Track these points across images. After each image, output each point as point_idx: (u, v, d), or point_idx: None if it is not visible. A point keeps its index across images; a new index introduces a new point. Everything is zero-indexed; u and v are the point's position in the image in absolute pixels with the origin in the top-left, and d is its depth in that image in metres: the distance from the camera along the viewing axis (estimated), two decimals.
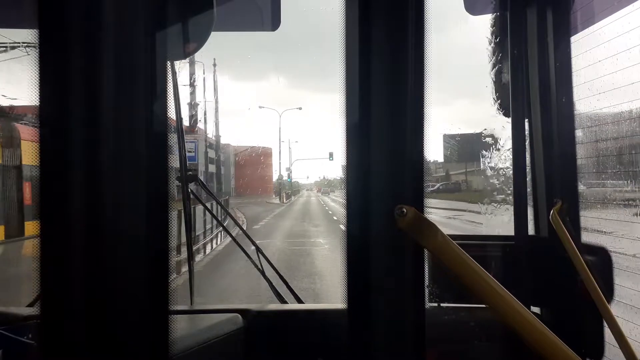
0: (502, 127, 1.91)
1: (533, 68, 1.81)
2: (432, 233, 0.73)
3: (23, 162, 11.44)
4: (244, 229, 2.64)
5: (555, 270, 1.71)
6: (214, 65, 28.26)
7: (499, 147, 2.08)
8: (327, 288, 8.55)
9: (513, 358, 1.27)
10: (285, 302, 2.26)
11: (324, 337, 1.43)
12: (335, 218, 23.35)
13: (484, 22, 1.92)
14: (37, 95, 0.61)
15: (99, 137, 0.61)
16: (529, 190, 1.84)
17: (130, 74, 0.63)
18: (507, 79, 1.83)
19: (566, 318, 1.68)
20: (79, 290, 0.61)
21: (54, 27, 0.62)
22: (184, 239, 2.56)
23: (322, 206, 38.88)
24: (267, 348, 1.92)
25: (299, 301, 2.30)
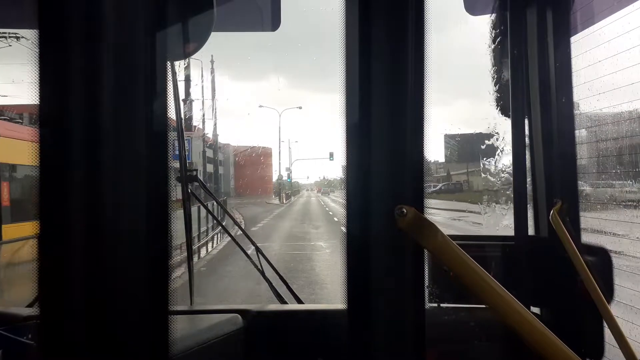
0: (503, 127, 1.91)
1: (533, 68, 1.81)
2: (432, 233, 0.73)
3: None
4: (243, 229, 2.64)
5: (555, 270, 1.71)
6: (212, 62, 27.97)
7: (501, 146, 2.08)
8: (330, 299, 7.57)
9: (513, 358, 1.27)
10: (285, 303, 2.26)
11: (324, 338, 1.43)
12: (336, 219, 22.71)
13: (484, 22, 1.92)
14: (37, 95, 0.61)
15: (99, 137, 0.61)
16: (529, 190, 1.84)
17: (130, 74, 0.63)
18: (507, 79, 1.83)
19: (566, 318, 1.68)
20: (79, 290, 0.61)
21: (54, 27, 0.61)
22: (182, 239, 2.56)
23: (322, 207, 38.50)
24: (267, 348, 1.92)
25: (299, 301, 2.30)
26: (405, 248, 0.73)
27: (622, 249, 2.34)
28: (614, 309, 1.57)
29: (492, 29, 1.90)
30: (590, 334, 1.61)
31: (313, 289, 8.59)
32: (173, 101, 2.27)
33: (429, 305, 1.80)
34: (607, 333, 1.54)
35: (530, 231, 1.86)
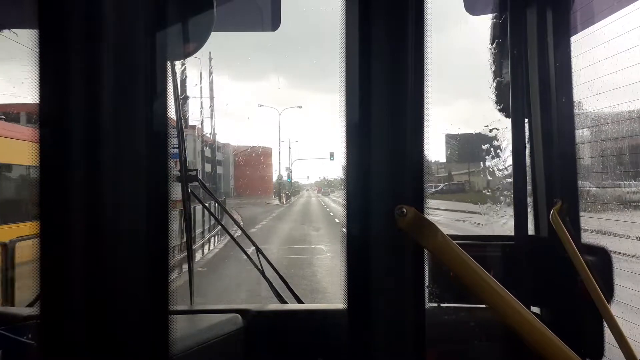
0: (504, 127, 1.91)
1: (533, 68, 1.81)
2: (432, 233, 0.73)
3: None
4: (243, 229, 2.65)
5: (555, 270, 1.71)
6: (210, 59, 27.60)
7: (503, 146, 2.08)
8: None
9: (513, 358, 1.27)
10: (285, 302, 2.26)
11: (324, 337, 1.43)
12: (337, 220, 22.04)
13: (484, 22, 1.92)
14: (37, 95, 0.61)
15: (99, 137, 0.61)
16: (529, 190, 1.84)
17: (130, 74, 0.63)
18: (507, 79, 1.83)
19: (566, 318, 1.68)
20: (79, 290, 0.61)
21: (54, 27, 0.61)
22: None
23: (322, 207, 37.99)
24: (267, 348, 1.92)
25: (299, 301, 2.30)
26: (405, 248, 0.73)
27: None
28: (614, 309, 1.57)
29: (492, 29, 1.90)
30: (590, 334, 1.61)
31: (315, 298, 8.02)
32: (173, 101, 2.27)
33: (429, 305, 1.80)
34: (607, 333, 1.54)
35: (530, 231, 1.86)
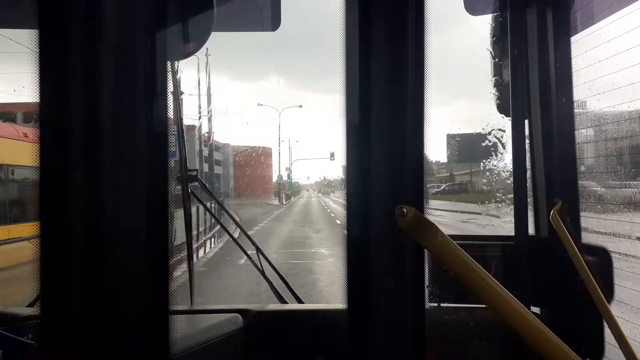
0: (502, 125, 1.91)
1: (533, 68, 1.81)
2: (432, 233, 0.73)
3: None
4: (243, 229, 2.65)
5: (555, 270, 1.71)
6: (207, 55, 27.14)
7: (506, 145, 2.07)
8: None
9: (513, 358, 1.27)
10: (285, 302, 2.27)
11: (324, 337, 1.43)
12: (338, 222, 21.06)
13: (484, 22, 1.92)
14: (37, 95, 0.61)
15: (99, 137, 0.61)
16: (529, 190, 1.84)
17: (130, 74, 0.63)
18: (507, 79, 1.83)
19: (566, 318, 1.68)
20: (79, 290, 0.61)
21: (54, 27, 0.61)
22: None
23: (323, 208, 37.75)
24: (267, 348, 1.92)
25: (299, 301, 2.30)
26: (405, 248, 0.73)
27: None
28: (614, 309, 1.57)
29: (492, 29, 1.90)
30: (591, 334, 1.61)
31: None
32: (173, 101, 2.27)
33: (429, 305, 1.80)
34: (607, 333, 1.54)
35: (531, 231, 1.86)
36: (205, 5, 1.29)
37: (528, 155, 1.83)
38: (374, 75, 0.71)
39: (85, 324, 0.61)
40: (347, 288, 0.73)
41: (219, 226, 14.77)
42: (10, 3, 1.92)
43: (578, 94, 1.83)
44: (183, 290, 2.32)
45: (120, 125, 0.62)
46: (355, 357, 0.75)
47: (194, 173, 2.35)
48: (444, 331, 1.71)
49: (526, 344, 0.74)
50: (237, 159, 48.25)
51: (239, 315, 1.91)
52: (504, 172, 2.07)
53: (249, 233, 2.54)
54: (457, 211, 19.10)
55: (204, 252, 13.34)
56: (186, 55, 1.41)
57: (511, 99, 1.81)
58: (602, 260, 1.68)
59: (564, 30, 1.78)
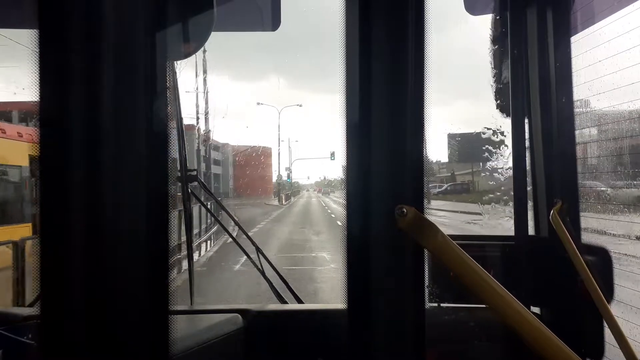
0: (500, 125, 1.91)
1: (533, 68, 1.81)
2: (432, 233, 0.73)
3: None
4: (243, 229, 2.65)
5: (555, 270, 1.72)
6: (204, 51, 26.64)
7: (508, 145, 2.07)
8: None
9: (513, 358, 1.27)
10: (285, 302, 2.27)
11: (324, 337, 1.43)
12: (339, 223, 19.40)
13: (484, 22, 1.92)
14: (37, 95, 0.61)
15: (99, 137, 0.61)
16: (529, 190, 1.84)
17: (130, 74, 0.63)
18: (507, 79, 1.83)
19: (566, 318, 1.68)
20: (79, 290, 0.61)
21: (54, 27, 0.61)
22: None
23: (323, 208, 37.26)
24: (267, 348, 1.92)
25: (299, 301, 2.30)
26: (405, 248, 0.73)
27: None
28: (614, 309, 1.57)
29: (492, 29, 1.90)
30: (591, 334, 1.61)
31: None
32: (173, 101, 2.27)
33: (429, 305, 1.80)
34: (607, 333, 1.54)
35: (531, 231, 1.86)
36: (205, 5, 1.29)
37: (528, 155, 1.83)
38: (374, 75, 0.71)
39: (85, 324, 0.61)
40: (347, 288, 0.73)
41: (213, 229, 14.66)
42: (10, 3, 1.92)
43: (578, 94, 1.83)
44: (183, 290, 2.32)
45: (120, 125, 0.62)
46: (355, 357, 0.75)
47: (194, 173, 2.35)
48: (444, 331, 1.71)
49: (526, 344, 0.74)
50: (236, 158, 48.20)
51: (239, 315, 1.91)
52: (506, 172, 2.07)
53: (243, 237, 2.53)
54: (461, 212, 18.60)
55: (198, 255, 12.67)
56: (186, 55, 1.41)
57: (511, 99, 1.81)
58: (602, 260, 1.68)
59: (564, 30, 1.78)
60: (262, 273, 2.37)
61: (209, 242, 14.21)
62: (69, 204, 0.61)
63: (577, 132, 1.84)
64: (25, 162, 11.00)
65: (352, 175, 0.73)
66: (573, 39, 1.80)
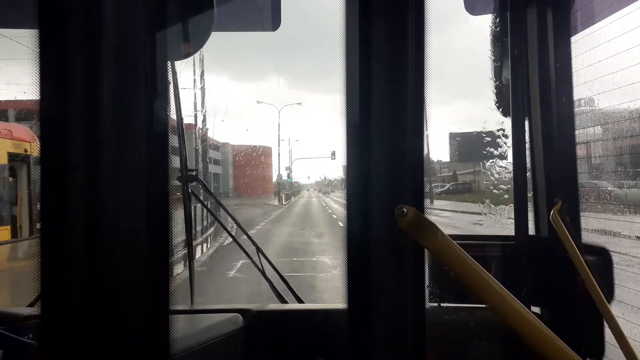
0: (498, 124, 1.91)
1: (533, 68, 1.81)
2: (432, 233, 0.73)
3: None
4: (243, 229, 2.65)
5: (555, 270, 1.72)
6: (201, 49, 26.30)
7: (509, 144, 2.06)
8: None
9: (513, 358, 1.27)
10: (286, 302, 2.27)
11: (324, 337, 1.44)
12: (340, 224, 18.17)
13: (484, 22, 1.92)
14: (38, 95, 0.61)
15: (99, 137, 0.61)
16: (529, 190, 1.84)
17: (130, 74, 0.63)
18: (507, 79, 1.83)
19: (566, 318, 1.68)
20: (79, 290, 0.61)
21: (54, 27, 0.62)
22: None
23: (324, 208, 36.85)
24: (267, 348, 1.92)
25: (299, 301, 2.30)
26: (405, 248, 0.73)
27: None
28: (614, 309, 1.57)
29: (492, 29, 1.90)
30: (591, 334, 1.61)
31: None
32: (173, 101, 2.28)
33: (429, 305, 1.80)
34: (608, 333, 1.54)
35: (531, 231, 1.86)
36: (205, 5, 1.29)
37: (528, 155, 1.83)
38: (374, 75, 0.71)
39: (85, 324, 0.61)
40: (347, 288, 0.73)
41: (209, 231, 14.53)
42: (10, 3, 1.92)
43: (578, 93, 1.83)
44: (183, 290, 2.32)
45: (120, 125, 0.62)
46: (355, 357, 0.75)
47: (194, 173, 2.35)
48: (444, 331, 1.71)
49: (526, 344, 0.74)
50: (236, 158, 48.15)
51: (239, 315, 1.91)
52: (507, 172, 2.06)
53: (244, 238, 2.53)
54: (465, 212, 17.99)
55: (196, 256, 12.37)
56: (186, 55, 1.41)
57: (511, 99, 1.81)
58: (602, 260, 1.68)
59: (564, 30, 1.78)
60: (263, 273, 2.37)
61: (204, 245, 13.69)
62: (69, 204, 0.61)
63: (577, 131, 1.84)
64: (3, 160, 10.45)
65: (352, 175, 0.73)
66: (573, 39, 1.80)
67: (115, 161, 0.62)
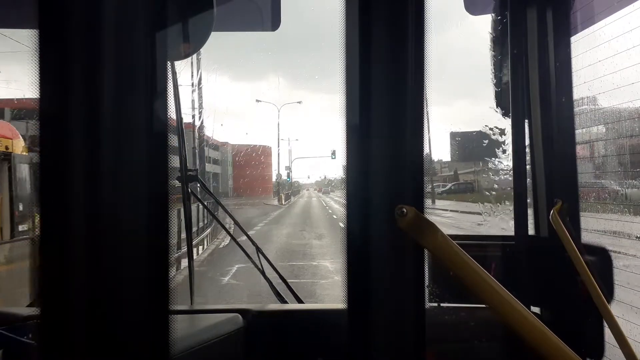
0: (496, 122, 1.91)
1: (533, 68, 1.81)
2: (432, 233, 0.73)
3: None
4: (243, 229, 2.65)
5: (555, 270, 1.72)
6: None
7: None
8: None
9: (513, 358, 1.27)
10: (286, 302, 2.27)
11: (324, 337, 1.44)
12: (341, 225, 18.92)
13: (484, 22, 1.92)
14: (37, 94, 0.61)
15: (99, 137, 0.61)
16: (529, 190, 1.84)
17: (130, 74, 0.63)
18: (507, 79, 1.83)
19: (566, 318, 1.68)
20: (79, 290, 0.61)
21: (54, 27, 0.61)
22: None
23: (324, 208, 36.56)
24: (267, 348, 1.92)
25: (299, 301, 2.30)
26: (405, 248, 0.73)
27: None
28: (614, 309, 1.57)
29: (492, 28, 1.90)
30: (591, 334, 1.61)
31: None
32: (173, 101, 2.28)
33: (429, 305, 1.80)
34: (608, 333, 1.54)
35: (531, 231, 1.86)
36: (205, 5, 1.29)
37: (528, 155, 1.83)
38: (374, 75, 0.71)
39: (85, 324, 0.61)
40: (347, 288, 0.73)
41: (206, 232, 14.46)
42: (10, 3, 1.92)
43: (578, 93, 1.83)
44: (183, 290, 2.32)
45: (120, 125, 0.62)
46: (355, 357, 0.75)
47: (194, 172, 2.35)
48: (444, 331, 1.71)
49: (526, 344, 0.74)
50: (236, 158, 48.11)
51: (239, 315, 1.91)
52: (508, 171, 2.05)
53: (241, 239, 2.52)
54: (468, 212, 17.54)
55: (177, 267, 11.78)
56: (186, 55, 1.41)
57: (511, 99, 1.81)
58: (602, 260, 1.68)
59: (564, 30, 1.78)
60: (262, 273, 2.37)
61: (200, 247, 13.25)
62: (69, 204, 0.61)
63: (577, 131, 1.84)
64: None
65: (352, 175, 0.73)
66: (573, 39, 1.80)
67: (115, 161, 0.62)
